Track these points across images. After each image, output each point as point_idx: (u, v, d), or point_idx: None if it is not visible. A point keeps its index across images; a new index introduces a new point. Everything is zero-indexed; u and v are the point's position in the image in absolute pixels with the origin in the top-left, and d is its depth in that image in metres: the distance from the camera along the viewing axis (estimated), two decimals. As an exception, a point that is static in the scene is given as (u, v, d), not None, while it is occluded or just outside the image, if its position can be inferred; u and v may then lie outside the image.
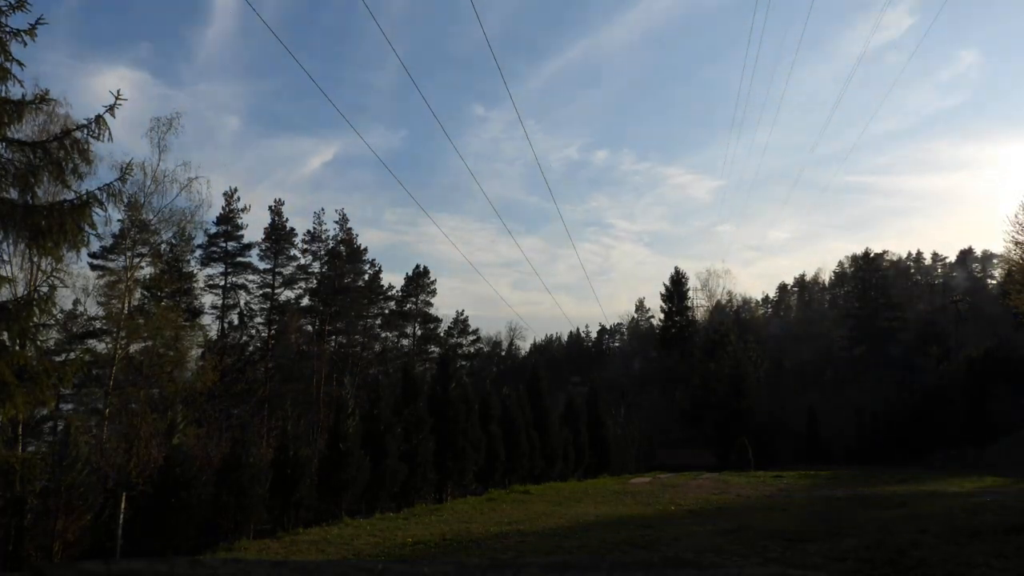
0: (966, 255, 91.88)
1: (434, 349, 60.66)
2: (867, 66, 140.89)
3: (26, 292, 13.38)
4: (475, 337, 69.81)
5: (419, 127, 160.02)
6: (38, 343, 10.74)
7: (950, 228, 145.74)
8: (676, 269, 74.36)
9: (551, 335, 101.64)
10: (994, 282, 77.41)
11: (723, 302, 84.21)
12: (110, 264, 28.91)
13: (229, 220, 48.65)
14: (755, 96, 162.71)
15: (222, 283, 49.34)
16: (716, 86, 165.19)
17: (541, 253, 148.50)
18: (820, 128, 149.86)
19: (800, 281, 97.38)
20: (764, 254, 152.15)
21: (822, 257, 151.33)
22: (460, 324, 67.62)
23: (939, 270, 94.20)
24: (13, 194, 10.16)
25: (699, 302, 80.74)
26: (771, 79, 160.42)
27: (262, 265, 50.69)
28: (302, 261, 53.28)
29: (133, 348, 21.37)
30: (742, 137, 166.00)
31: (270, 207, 52.03)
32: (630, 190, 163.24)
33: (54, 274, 11.23)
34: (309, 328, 51.98)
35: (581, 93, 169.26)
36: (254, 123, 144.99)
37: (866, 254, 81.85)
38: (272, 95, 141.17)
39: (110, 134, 10.58)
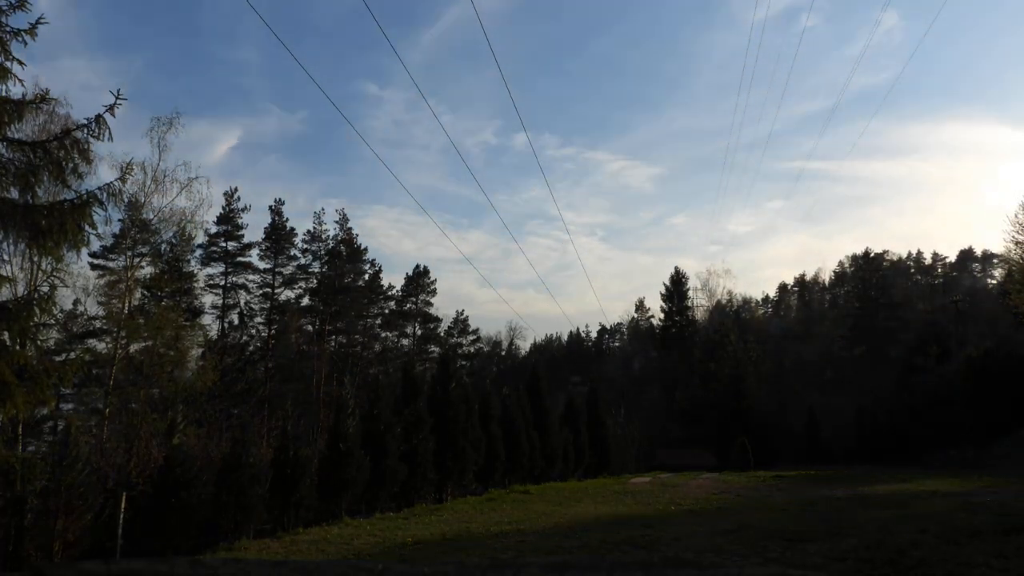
0: (966, 255, 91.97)
1: (434, 349, 60.68)
2: (780, 33, 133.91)
3: (26, 292, 13.38)
4: (475, 337, 69.87)
5: (320, 108, 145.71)
6: (38, 343, 10.75)
7: (909, 217, 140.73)
8: (676, 269, 74.41)
9: (551, 335, 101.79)
10: (994, 282, 77.40)
11: (723, 302, 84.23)
12: (110, 264, 28.95)
13: (229, 220, 48.68)
14: (663, 72, 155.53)
15: (222, 283, 49.38)
16: (612, 60, 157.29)
17: (491, 248, 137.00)
18: (743, 110, 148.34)
19: (800, 281, 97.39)
20: (728, 247, 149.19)
21: (785, 250, 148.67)
22: (460, 324, 67.65)
23: (939, 270, 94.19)
24: (14, 194, 10.16)
25: (699, 302, 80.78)
26: (673, 53, 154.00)
27: (262, 265, 50.77)
28: (302, 261, 53.36)
29: (133, 348, 21.36)
30: (662, 119, 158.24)
31: (270, 207, 52.15)
32: (562, 178, 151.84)
33: (54, 274, 11.21)
34: (309, 328, 52.00)
35: (473, 68, 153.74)
36: (137, 105, 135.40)
37: (866, 254, 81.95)
38: (142, 73, 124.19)
39: (110, 134, 10.59)
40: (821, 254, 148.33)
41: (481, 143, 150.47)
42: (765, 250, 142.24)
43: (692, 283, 76.10)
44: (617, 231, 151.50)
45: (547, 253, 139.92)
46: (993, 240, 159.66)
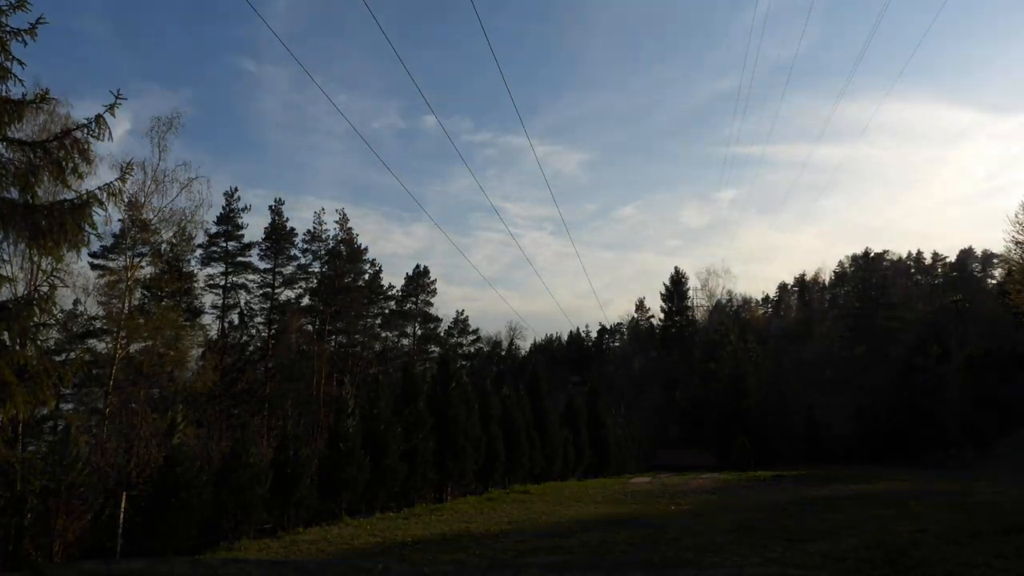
0: (966, 255, 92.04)
1: (434, 349, 60.72)
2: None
3: (26, 292, 13.39)
4: (475, 337, 69.92)
5: (203, 85, 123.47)
6: (38, 343, 10.72)
7: (871, 209, 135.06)
8: (676, 269, 74.50)
9: (551, 335, 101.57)
10: (994, 282, 77.41)
11: (723, 302, 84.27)
12: (110, 264, 28.96)
13: (229, 220, 48.68)
14: (548, 40, 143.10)
15: (222, 283, 49.37)
16: (487, 24, 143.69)
17: (442, 243, 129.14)
18: (655, 89, 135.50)
19: (800, 281, 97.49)
20: (688, 243, 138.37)
21: (748, 244, 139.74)
22: (460, 324, 67.69)
23: (939, 270, 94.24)
24: (13, 194, 10.14)
25: (699, 302, 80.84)
26: (553, 19, 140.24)
27: (262, 265, 50.78)
28: (302, 261, 53.38)
29: (133, 348, 21.41)
30: (570, 99, 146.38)
31: (270, 207, 52.17)
32: (487, 165, 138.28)
33: (54, 274, 11.21)
34: (309, 328, 51.99)
35: (350, 39, 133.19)
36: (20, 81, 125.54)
37: (866, 254, 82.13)
38: None
39: (110, 134, 10.57)
40: (783, 249, 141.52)
41: (389, 127, 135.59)
42: (727, 244, 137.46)
43: (692, 283, 76.24)
44: (568, 224, 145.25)
45: (501, 249, 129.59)
46: (958, 232, 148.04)
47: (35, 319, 10.17)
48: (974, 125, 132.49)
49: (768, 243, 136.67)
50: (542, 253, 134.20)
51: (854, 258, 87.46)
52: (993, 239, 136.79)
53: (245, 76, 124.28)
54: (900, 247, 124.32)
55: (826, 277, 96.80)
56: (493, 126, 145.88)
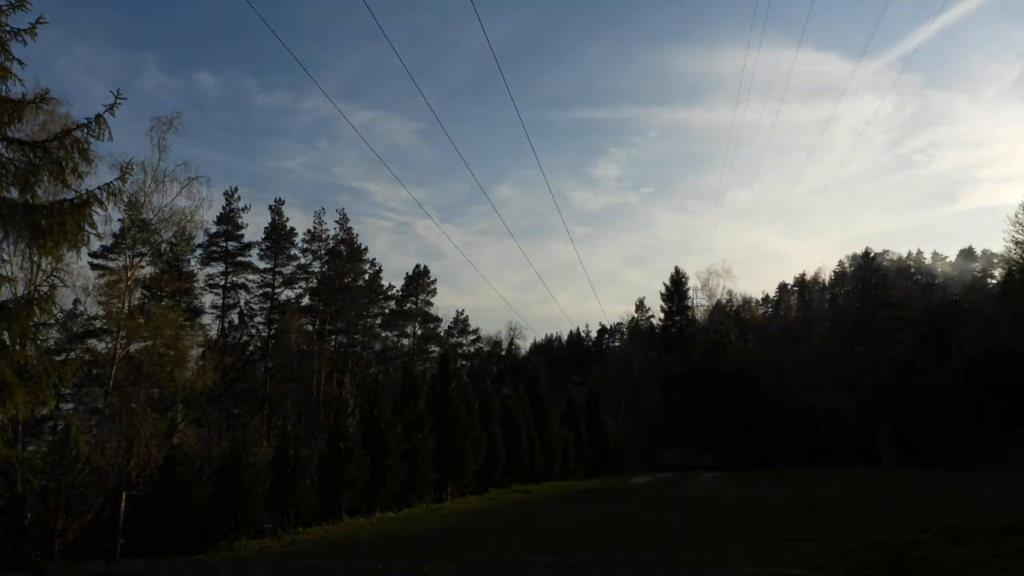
0: (966, 255, 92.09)
1: (434, 349, 60.70)
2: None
3: (26, 291, 13.40)
4: (475, 337, 69.96)
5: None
6: (38, 342, 10.72)
7: (768, 189, 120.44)
8: (676, 268, 74.37)
9: (551, 335, 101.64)
10: (994, 282, 77.38)
11: (723, 302, 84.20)
12: (110, 263, 28.96)
13: (229, 220, 48.65)
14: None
15: (222, 283, 49.34)
16: None
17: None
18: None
19: (800, 280, 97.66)
20: (596, 228, 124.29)
21: (659, 231, 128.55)
22: (460, 324, 67.71)
23: (939, 269, 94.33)
24: (13, 193, 10.14)
25: (699, 302, 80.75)
26: None
27: (262, 264, 50.77)
28: (302, 261, 53.36)
29: (133, 348, 21.41)
30: (356, 48, 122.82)
31: (270, 206, 52.16)
32: (312, 134, 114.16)
33: (54, 273, 11.22)
34: (309, 328, 51.98)
35: None
36: None
37: (866, 253, 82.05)
38: None
39: (110, 133, 10.57)
40: (699, 234, 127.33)
41: (161, 87, 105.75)
42: (641, 231, 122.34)
43: (692, 283, 76.17)
44: (450, 209, 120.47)
45: (398, 241, 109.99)
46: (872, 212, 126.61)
47: (35, 319, 10.17)
48: (847, 73, 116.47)
49: (682, 229, 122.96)
50: (447, 243, 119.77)
51: (854, 258, 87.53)
52: (907, 221, 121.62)
53: None
54: (882, 244, 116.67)
55: (826, 277, 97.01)
56: (279, 83, 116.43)
